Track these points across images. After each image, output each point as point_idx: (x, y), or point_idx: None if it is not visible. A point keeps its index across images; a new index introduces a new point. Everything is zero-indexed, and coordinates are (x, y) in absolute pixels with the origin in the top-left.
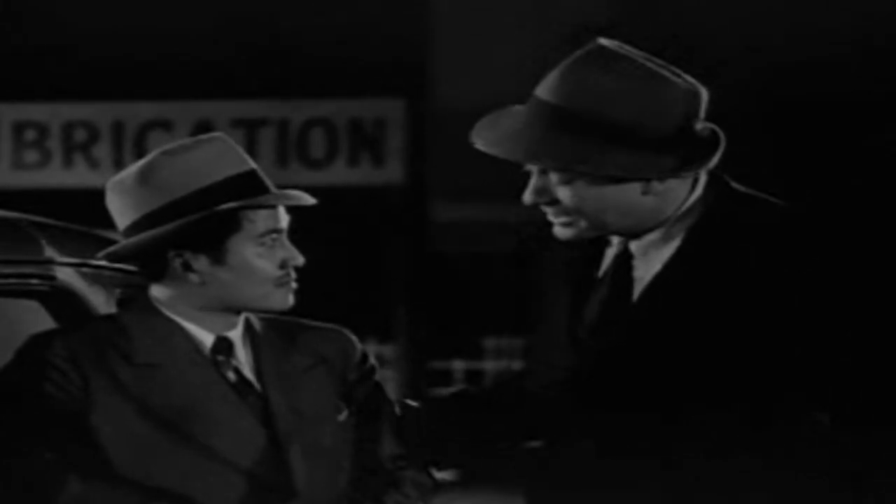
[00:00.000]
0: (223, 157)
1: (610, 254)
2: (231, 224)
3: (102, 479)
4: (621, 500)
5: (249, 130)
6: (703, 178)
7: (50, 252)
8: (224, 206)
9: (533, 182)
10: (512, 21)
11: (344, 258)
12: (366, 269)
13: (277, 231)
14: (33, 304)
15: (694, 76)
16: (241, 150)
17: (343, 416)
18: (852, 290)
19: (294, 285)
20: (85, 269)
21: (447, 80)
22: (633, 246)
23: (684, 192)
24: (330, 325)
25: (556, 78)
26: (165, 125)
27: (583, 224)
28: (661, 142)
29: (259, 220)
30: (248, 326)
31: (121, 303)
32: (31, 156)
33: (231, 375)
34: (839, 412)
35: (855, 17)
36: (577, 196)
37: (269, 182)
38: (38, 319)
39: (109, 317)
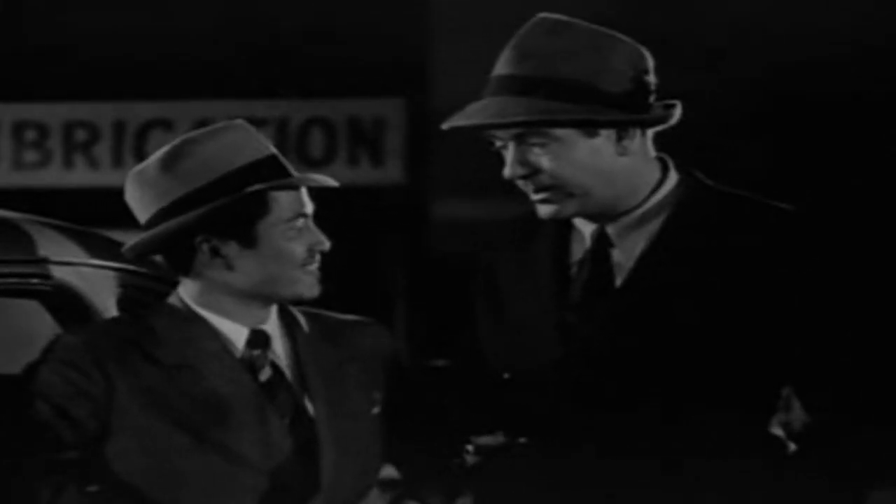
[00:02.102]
0: (246, 142)
1: (578, 240)
2: (260, 207)
3: (100, 490)
4: (615, 497)
5: None
6: (673, 172)
7: (49, 251)
8: (253, 188)
9: (511, 156)
10: (511, 20)
11: (343, 257)
12: (364, 268)
13: (304, 215)
14: (33, 304)
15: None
16: (261, 136)
17: (377, 410)
18: (826, 284)
19: (318, 273)
20: (85, 269)
21: (447, 79)
22: (611, 230)
23: (656, 175)
24: (365, 319)
25: (508, 52)
26: (166, 125)
27: (564, 196)
28: (615, 97)
29: (286, 203)
30: (287, 319)
31: (122, 302)
32: (31, 156)
33: (267, 371)
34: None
35: (855, 17)
36: (556, 160)
37: (290, 167)
38: (37, 319)
39: (136, 316)
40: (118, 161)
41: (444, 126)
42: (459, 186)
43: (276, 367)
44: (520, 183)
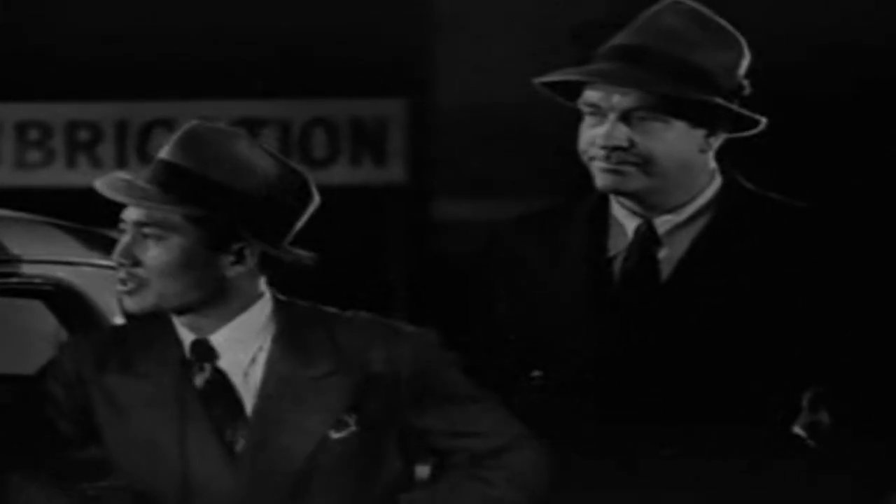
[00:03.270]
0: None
1: (618, 234)
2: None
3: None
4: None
5: (251, 130)
6: (718, 174)
7: (52, 251)
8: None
9: (610, 126)
10: (514, 20)
11: (346, 258)
12: (368, 268)
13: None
14: (37, 304)
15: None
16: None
17: (341, 434)
18: (858, 289)
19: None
20: (87, 268)
21: (449, 78)
22: (659, 225)
23: (706, 179)
24: (408, 328)
25: (640, 25)
26: (168, 124)
27: (639, 173)
28: (728, 93)
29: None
30: (279, 326)
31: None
32: (34, 155)
33: (198, 380)
34: (841, 413)
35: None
36: (654, 139)
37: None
38: (41, 319)
39: (124, 324)
40: (121, 161)
41: (568, 76)
42: (462, 187)
43: (217, 377)
44: (597, 152)
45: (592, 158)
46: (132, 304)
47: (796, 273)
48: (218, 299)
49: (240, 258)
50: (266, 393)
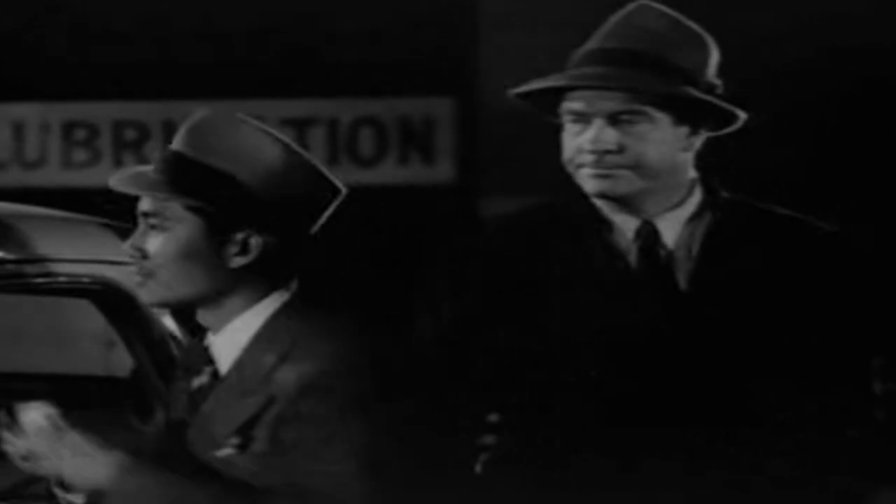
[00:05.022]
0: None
1: (618, 237)
2: None
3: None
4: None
5: (299, 129)
6: (698, 184)
7: (100, 250)
8: None
9: (596, 130)
10: (560, 18)
11: (393, 257)
12: (414, 267)
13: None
14: (85, 304)
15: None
16: None
17: (223, 453)
18: (839, 299)
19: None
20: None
21: (496, 77)
22: (662, 226)
23: (691, 179)
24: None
25: (614, 28)
26: None
27: (630, 176)
28: (706, 90)
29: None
30: (266, 331)
31: None
32: (81, 155)
33: (195, 383)
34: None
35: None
36: (641, 140)
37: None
38: (90, 319)
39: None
40: None
41: (555, 82)
42: (509, 185)
43: (213, 380)
44: (586, 158)
45: (581, 165)
46: (145, 295)
47: (786, 274)
48: (225, 294)
49: (244, 249)
50: (204, 408)
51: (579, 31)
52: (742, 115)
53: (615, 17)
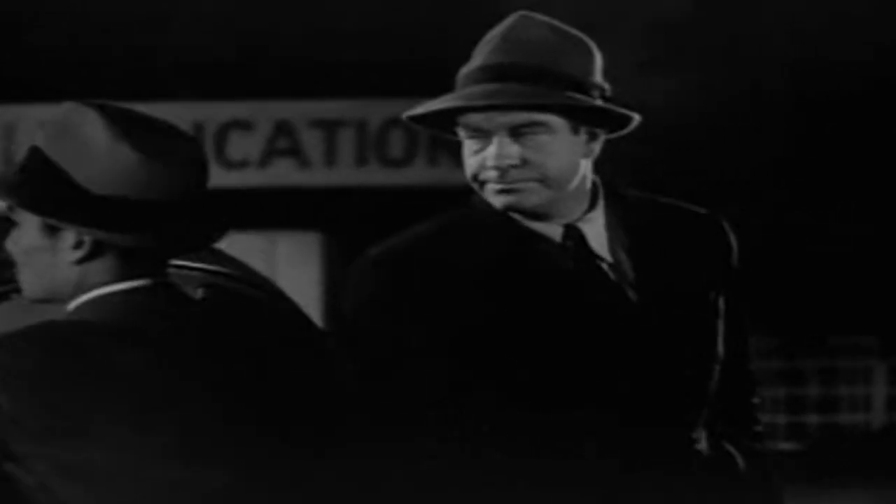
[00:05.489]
0: None
1: (541, 242)
2: None
3: None
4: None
5: (328, 131)
6: (601, 188)
7: None
8: None
9: (498, 146)
10: (585, 20)
11: None
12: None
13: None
14: None
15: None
16: None
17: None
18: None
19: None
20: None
21: None
22: (588, 230)
23: (593, 184)
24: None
25: (499, 42)
26: (245, 125)
27: (536, 188)
28: (598, 95)
29: None
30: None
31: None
32: None
33: None
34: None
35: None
36: (543, 152)
37: None
38: None
39: None
40: None
41: (441, 105)
42: None
43: None
44: (490, 174)
45: (485, 182)
46: (24, 292)
47: (695, 267)
48: (70, 289)
49: (78, 243)
50: None
51: (604, 32)
52: (636, 117)
53: (496, 31)
